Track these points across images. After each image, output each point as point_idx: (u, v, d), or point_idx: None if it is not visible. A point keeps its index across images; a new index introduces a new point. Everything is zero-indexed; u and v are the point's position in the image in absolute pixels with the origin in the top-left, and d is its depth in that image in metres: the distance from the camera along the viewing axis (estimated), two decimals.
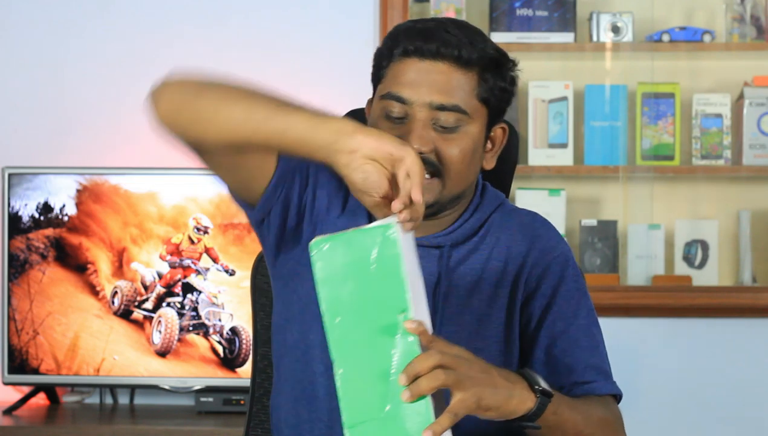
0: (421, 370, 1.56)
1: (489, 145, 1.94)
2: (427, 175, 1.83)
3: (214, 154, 1.81)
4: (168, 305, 3.58)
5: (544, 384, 1.70)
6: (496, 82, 1.88)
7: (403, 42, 1.87)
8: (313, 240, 1.58)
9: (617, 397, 1.92)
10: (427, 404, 1.55)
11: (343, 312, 1.56)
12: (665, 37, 3.80)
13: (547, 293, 1.91)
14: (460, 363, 1.60)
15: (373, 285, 1.57)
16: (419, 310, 1.60)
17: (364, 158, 1.64)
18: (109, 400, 3.72)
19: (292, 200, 1.91)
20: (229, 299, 3.57)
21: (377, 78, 1.92)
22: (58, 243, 3.58)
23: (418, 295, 1.62)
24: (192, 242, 3.56)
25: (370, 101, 1.97)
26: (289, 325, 1.94)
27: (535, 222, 1.97)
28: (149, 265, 3.57)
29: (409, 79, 1.85)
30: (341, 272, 1.57)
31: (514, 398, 1.66)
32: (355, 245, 1.58)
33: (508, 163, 2.15)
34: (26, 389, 3.68)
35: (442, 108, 1.84)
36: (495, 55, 1.88)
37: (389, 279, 1.57)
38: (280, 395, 1.99)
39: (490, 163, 1.95)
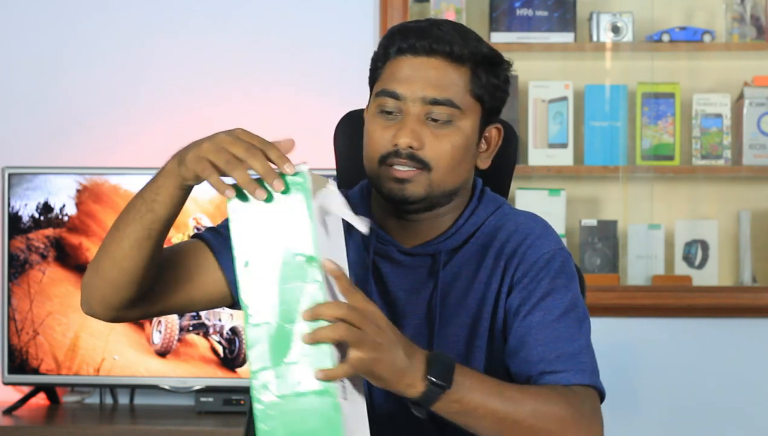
0: (324, 314, 1.58)
1: (484, 145, 1.95)
2: (416, 169, 1.86)
3: (150, 294, 1.86)
4: None
5: (438, 375, 1.67)
6: (489, 79, 1.90)
7: (398, 41, 1.90)
8: (232, 192, 1.60)
9: (601, 394, 1.88)
10: (330, 351, 1.56)
11: (252, 256, 1.59)
12: (665, 37, 3.80)
13: (530, 285, 1.90)
14: (368, 325, 1.60)
15: (282, 231, 1.59)
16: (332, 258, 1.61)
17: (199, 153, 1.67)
18: (109, 400, 3.72)
19: None
20: None
21: (373, 80, 1.95)
22: (58, 243, 3.58)
23: (336, 250, 1.64)
24: None
25: (368, 105, 1.98)
26: None
27: (530, 221, 1.97)
28: None
29: (404, 75, 1.88)
30: (254, 218, 1.59)
31: (406, 378, 1.65)
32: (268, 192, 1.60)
33: (507, 163, 2.15)
34: (26, 389, 3.69)
35: (435, 102, 1.87)
36: (488, 53, 1.90)
37: (297, 224, 1.58)
38: None
39: (484, 163, 1.96)
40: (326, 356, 1.56)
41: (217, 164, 1.61)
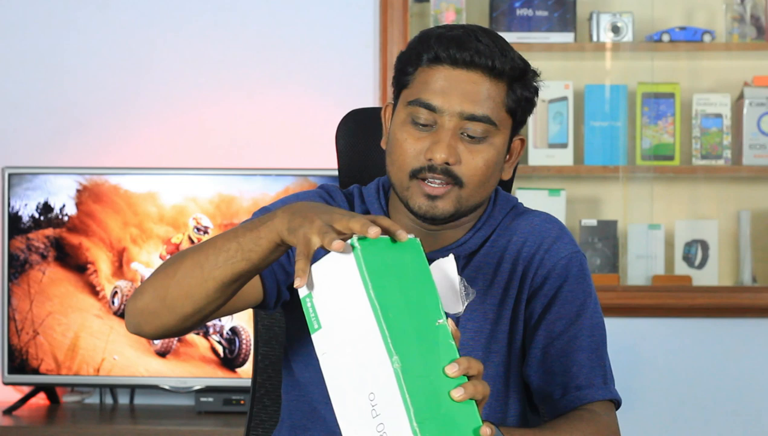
0: (473, 369, 1.51)
1: (507, 155, 1.92)
2: (447, 184, 1.83)
3: (211, 316, 1.81)
4: None
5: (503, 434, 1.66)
6: (523, 93, 1.87)
7: (435, 48, 1.84)
8: (353, 238, 1.53)
9: (616, 403, 1.90)
10: (475, 408, 1.52)
11: (393, 309, 1.52)
12: (665, 37, 3.80)
13: (549, 292, 1.90)
14: None
15: (413, 290, 1.55)
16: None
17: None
18: (109, 400, 3.72)
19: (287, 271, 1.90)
20: None
21: (401, 83, 1.89)
22: (58, 243, 3.58)
23: None
24: (192, 242, 3.56)
25: (389, 106, 1.94)
26: (297, 359, 1.97)
27: (546, 223, 1.95)
28: (149, 265, 3.57)
29: (440, 87, 1.83)
30: (386, 271, 1.54)
31: None
32: (393, 250, 1.56)
33: None
34: (26, 389, 3.68)
35: (472, 118, 1.83)
36: (523, 67, 1.87)
37: (424, 287, 1.55)
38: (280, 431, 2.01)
39: (507, 174, 1.94)
40: (474, 411, 1.52)
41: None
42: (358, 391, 1.51)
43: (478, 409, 1.52)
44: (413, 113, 1.85)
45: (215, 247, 1.69)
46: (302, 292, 1.55)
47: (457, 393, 1.49)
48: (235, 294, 1.75)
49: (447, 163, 1.82)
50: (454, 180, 1.83)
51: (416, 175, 1.84)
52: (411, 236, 1.57)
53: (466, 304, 1.64)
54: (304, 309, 1.55)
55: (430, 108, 1.83)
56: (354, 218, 1.54)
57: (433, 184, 1.84)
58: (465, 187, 1.84)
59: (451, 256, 1.64)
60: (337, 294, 1.53)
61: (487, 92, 1.83)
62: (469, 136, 1.83)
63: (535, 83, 1.89)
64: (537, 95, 1.90)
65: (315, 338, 1.54)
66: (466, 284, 1.65)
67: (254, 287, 1.86)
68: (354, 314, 1.52)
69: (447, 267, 1.64)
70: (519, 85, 1.86)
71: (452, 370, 1.49)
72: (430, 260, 1.63)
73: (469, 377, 1.51)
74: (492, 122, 1.84)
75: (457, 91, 1.82)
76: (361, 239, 1.53)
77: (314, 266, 1.56)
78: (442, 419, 1.50)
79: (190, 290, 1.71)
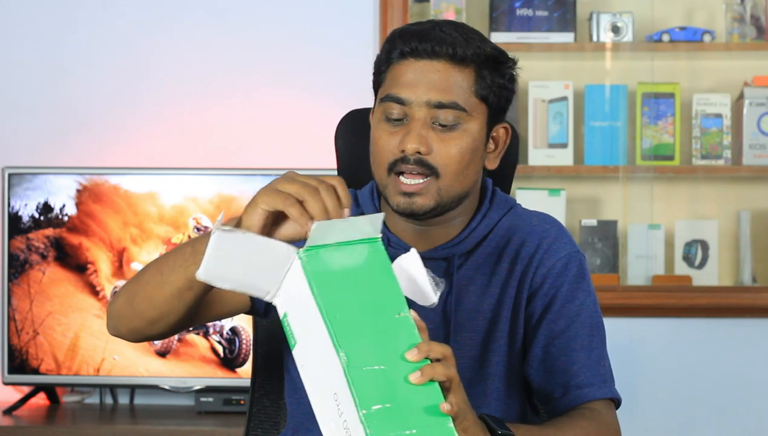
0: (435, 352, 1.53)
1: (492, 145, 1.93)
2: (423, 178, 1.84)
3: (183, 323, 1.82)
4: None
5: (501, 427, 1.66)
6: (494, 79, 1.88)
7: (399, 45, 1.87)
8: (299, 250, 1.57)
9: (616, 402, 1.91)
10: (438, 389, 1.53)
11: (341, 310, 1.56)
12: (665, 37, 3.80)
13: (549, 292, 1.91)
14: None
15: (368, 288, 1.58)
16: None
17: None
18: (109, 400, 3.72)
19: None
20: None
21: (377, 84, 1.92)
22: (58, 243, 3.58)
23: None
24: None
25: (373, 110, 1.96)
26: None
27: (545, 223, 1.96)
28: None
29: (407, 79, 1.86)
30: (333, 275, 1.57)
31: (480, 434, 1.62)
32: (345, 253, 1.59)
33: (508, 164, 2.15)
34: (26, 389, 3.69)
35: (440, 106, 1.84)
36: (491, 53, 1.88)
37: (383, 284, 1.58)
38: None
39: (493, 164, 1.94)
40: (437, 394, 1.54)
41: (274, 206, 1.56)
42: (327, 395, 1.54)
43: (442, 391, 1.53)
44: (386, 110, 1.87)
45: (175, 251, 1.72)
46: (281, 312, 1.59)
47: (414, 376, 1.51)
48: (196, 303, 1.74)
49: (419, 153, 1.84)
50: (430, 170, 1.84)
51: (392, 169, 1.86)
52: (374, 235, 1.60)
53: (438, 294, 1.64)
54: (284, 329, 1.59)
55: (399, 101, 1.86)
56: (289, 202, 1.56)
57: (408, 181, 1.85)
58: (442, 177, 1.85)
59: (413, 250, 1.64)
60: (300, 308, 1.57)
61: (452, 79, 1.85)
62: (440, 124, 1.85)
63: (512, 71, 1.91)
64: (513, 82, 1.92)
65: (294, 353, 1.58)
66: (432, 275, 1.65)
67: (241, 295, 1.87)
68: (311, 322, 1.55)
69: (409, 263, 1.64)
70: (488, 72, 1.87)
71: (411, 355, 1.52)
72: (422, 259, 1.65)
73: (433, 361, 1.53)
74: (461, 108, 1.85)
75: (423, 81, 1.85)
76: (307, 249, 1.56)
77: (283, 283, 1.59)
78: (398, 406, 1.52)
79: (152, 295, 1.74)
